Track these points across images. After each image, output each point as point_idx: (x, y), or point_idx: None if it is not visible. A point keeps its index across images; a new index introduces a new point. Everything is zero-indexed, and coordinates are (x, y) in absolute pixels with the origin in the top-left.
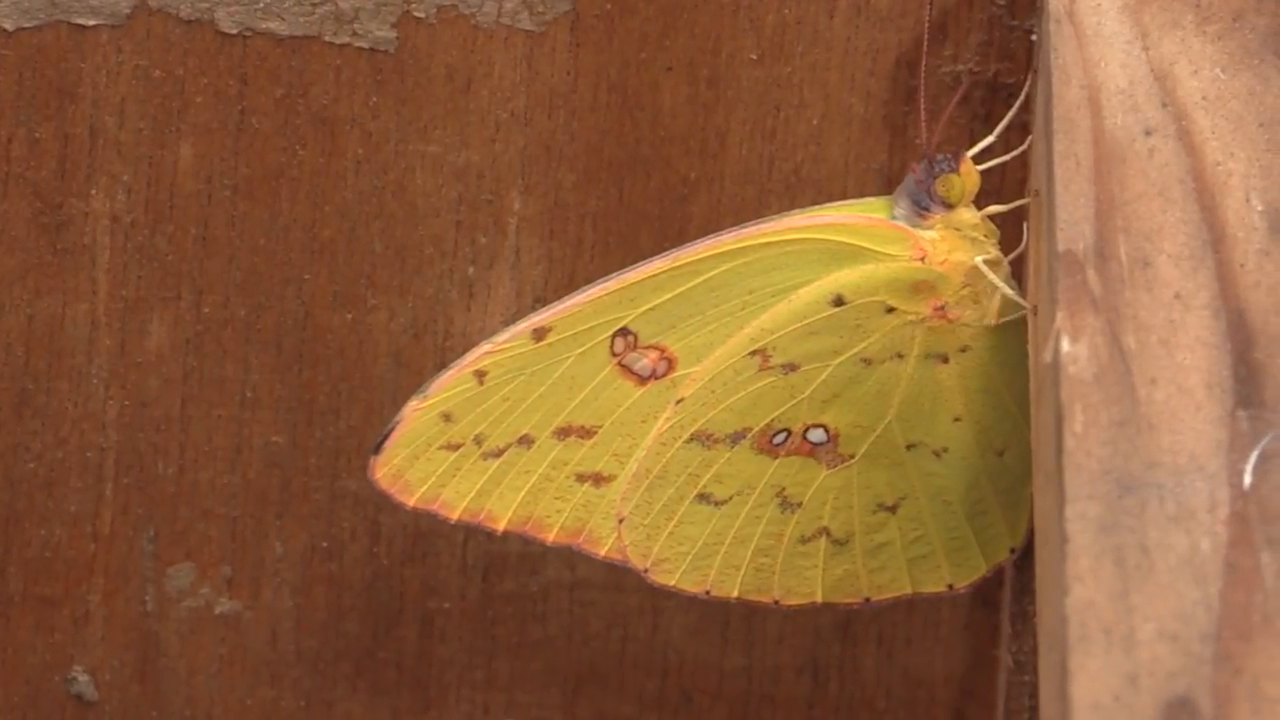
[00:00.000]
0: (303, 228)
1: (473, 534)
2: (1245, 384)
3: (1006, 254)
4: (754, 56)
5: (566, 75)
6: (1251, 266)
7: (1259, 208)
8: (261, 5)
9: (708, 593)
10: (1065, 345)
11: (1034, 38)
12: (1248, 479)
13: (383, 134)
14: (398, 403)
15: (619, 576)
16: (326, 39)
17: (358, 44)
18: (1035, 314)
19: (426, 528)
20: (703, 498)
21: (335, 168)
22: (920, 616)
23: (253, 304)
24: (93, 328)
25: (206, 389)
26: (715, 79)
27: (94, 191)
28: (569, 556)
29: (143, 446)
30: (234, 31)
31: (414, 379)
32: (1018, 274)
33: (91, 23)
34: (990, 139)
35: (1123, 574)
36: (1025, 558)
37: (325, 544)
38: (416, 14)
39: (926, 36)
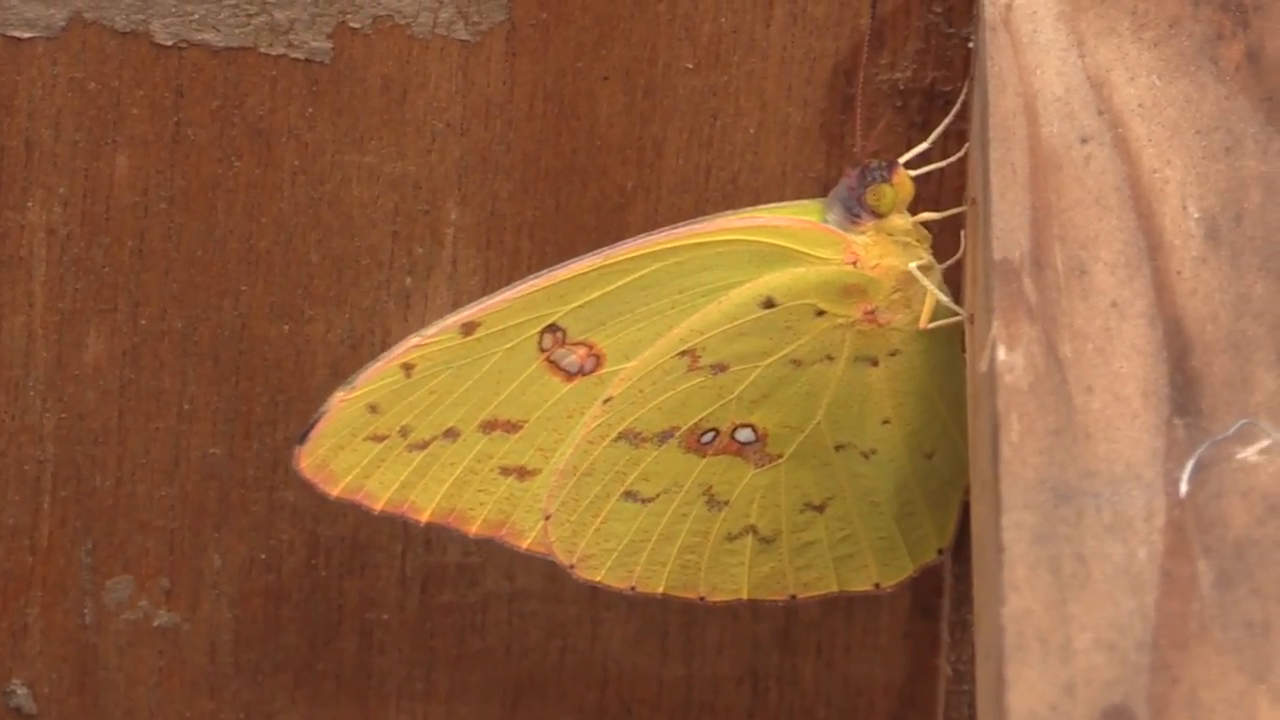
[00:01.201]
0: (239, 239)
1: (411, 545)
2: (1182, 392)
3: (942, 262)
4: (690, 65)
5: (502, 85)
6: (1188, 274)
7: (1195, 215)
8: (196, 17)
9: (633, 588)
10: (1001, 354)
11: (971, 45)
12: (1184, 487)
13: (319, 145)
14: None
15: (558, 587)
16: (262, 50)
17: (293, 55)
18: (972, 323)
19: (365, 539)
20: (629, 495)
21: (271, 179)
22: (859, 625)
23: (190, 316)
24: (29, 340)
25: (144, 401)
26: (652, 88)
27: (30, 204)
28: (508, 568)
29: (80, 459)
30: (169, 43)
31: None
32: (955, 282)
33: (26, 35)
34: (925, 145)
35: (1059, 583)
36: (964, 566)
37: (263, 556)
38: (352, 25)
39: (867, 44)
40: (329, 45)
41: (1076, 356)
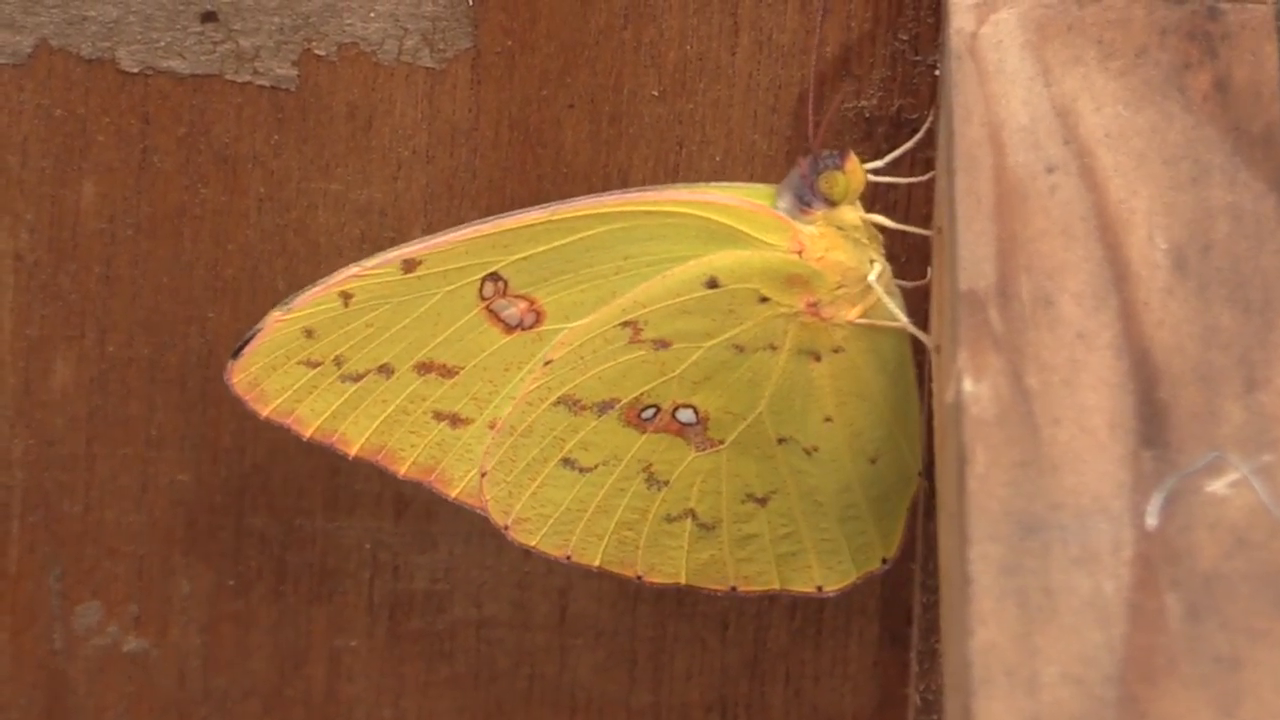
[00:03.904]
0: (206, 266)
1: (379, 573)
2: (1149, 424)
3: (907, 289)
4: (656, 93)
5: (468, 112)
6: (1155, 305)
7: (1162, 246)
8: (162, 44)
9: (569, 558)
10: (967, 385)
11: (938, 73)
12: (1152, 520)
13: (285, 172)
14: (303, 441)
15: (526, 615)
16: (228, 77)
17: (259, 82)
18: (938, 353)
19: (333, 566)
20: (567, 462)
21: (238, 206)
22: (828, 654)
23: (157, 343)
24: None
25: (112, 427)
26: (617, 115)
27: None
28: (476, 595)
29: (49, 485)
30: (135, 70)
31: None
32: (922, 311)
33: None
34: (880, 164)
35: (1026, 616)
36: (933, 595)
37: (232, 582)
38: (317, 52)
39: (820, 25)
40: (294, 73)
41: (1043, 388)
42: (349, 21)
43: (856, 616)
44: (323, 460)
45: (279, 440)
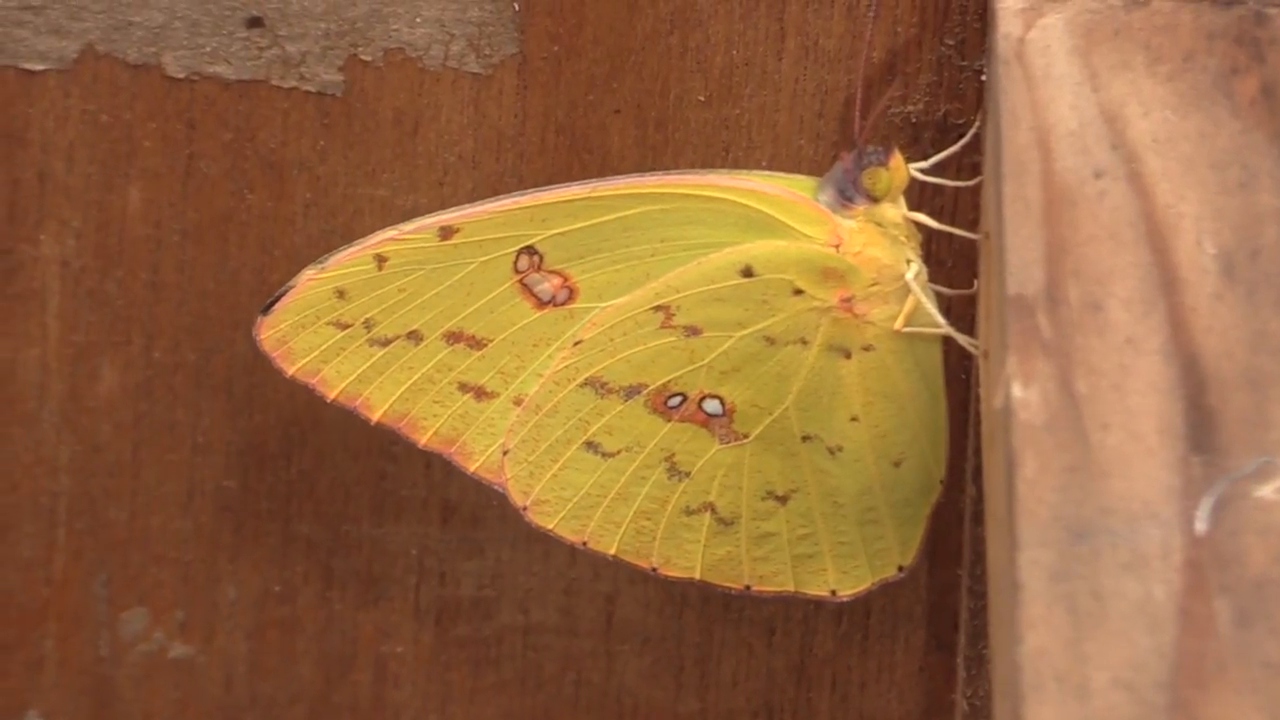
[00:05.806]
0: (252, 272)
1: (425, 578)
2: (1198, 429)
3: (956, 294)
4: (702, 98)
5: (514, 118)
6: (1204, 310)
7: (1211, 251)
8: (208, 49)
9: (585, 544)
10: (1016, 390)
11: (984, 78)
12: (1201, 525)
13: (331, 177)
14: (350, 446)
15: (572, 621)
16: (274, 83)
17: (305, 88)
18: (986, 358)
19: (379, 572)
20: (590, 446)
21: (284, 211)
22: (875, 660)
23: (203, 348)
24: (44, 373)
25: (158, 433)
26: (664, 121)
27: (43, 236)
28: (522, 601)
29: (95, 491)
30: (181, 76)
31: (365, 423)
32: (968, 316)
33: (39, 67)
34: (925, 164)
35: (1076, 621)
36: (980, 601)
37: (278, 588)
38: (363, 57)
39: (872, 25)
40: (341, 78)
41: (1092, 393)
42: (395, 27)
43: (903, 622)
44: (369, 466)
45: (326, 446)
